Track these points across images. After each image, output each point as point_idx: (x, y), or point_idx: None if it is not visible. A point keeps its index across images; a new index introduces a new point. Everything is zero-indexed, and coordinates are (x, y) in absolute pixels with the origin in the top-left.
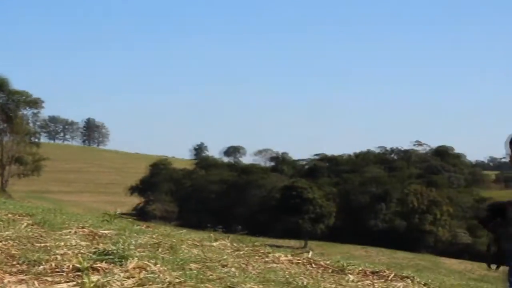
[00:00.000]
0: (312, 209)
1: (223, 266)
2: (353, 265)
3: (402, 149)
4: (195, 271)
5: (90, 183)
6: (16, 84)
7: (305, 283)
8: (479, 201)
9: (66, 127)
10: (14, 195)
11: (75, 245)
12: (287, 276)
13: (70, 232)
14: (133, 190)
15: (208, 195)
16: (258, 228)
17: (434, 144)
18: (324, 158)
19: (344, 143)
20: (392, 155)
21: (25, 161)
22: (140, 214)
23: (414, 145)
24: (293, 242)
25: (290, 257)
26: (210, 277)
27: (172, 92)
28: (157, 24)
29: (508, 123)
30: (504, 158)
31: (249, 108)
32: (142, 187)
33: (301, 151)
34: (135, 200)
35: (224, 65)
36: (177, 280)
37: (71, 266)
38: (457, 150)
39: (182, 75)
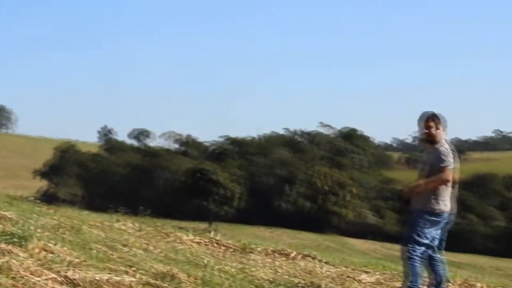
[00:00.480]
0: (218, 191)
1: (125, 246)
2: (255, 245)
3: (308, 131)
4: (96, 251)
5: None
6: None
7: (206, 262)
8: (384, 182)
9: None
10: None
11: None
12: (189, 255)
13: None
14: (38, 174)
15: (115, 179)
16: (165, 210)
17: (340, 126)
18: (230, 141)
19: (250, 125)
20: (298, 137)
21: None
22: (46, 198)
23: (320, 127)
24: (199, 225)
25: (192, 237)
26: (112, 256)
27: (77, 75)
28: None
29: (411, 104)
30: (407, 139)
31: (155, 91)
32: (48, 171)
33: (208, 133)
34: (41, 184)
35: (129, 47)
36: (78, 260)
37: None
38: (362, 131)
39: (86, 58)
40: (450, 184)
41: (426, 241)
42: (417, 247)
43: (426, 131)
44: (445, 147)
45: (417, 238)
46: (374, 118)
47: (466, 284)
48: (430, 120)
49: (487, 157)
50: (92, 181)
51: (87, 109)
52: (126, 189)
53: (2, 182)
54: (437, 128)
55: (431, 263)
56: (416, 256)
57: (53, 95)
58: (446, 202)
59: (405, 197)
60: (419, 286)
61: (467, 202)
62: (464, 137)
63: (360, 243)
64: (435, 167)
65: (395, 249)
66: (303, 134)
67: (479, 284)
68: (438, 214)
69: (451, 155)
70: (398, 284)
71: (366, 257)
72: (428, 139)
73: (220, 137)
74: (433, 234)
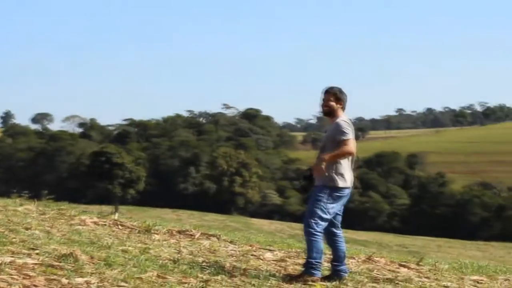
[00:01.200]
0: (122, 174)
1: (27, 229)
2: (159, 225)
3: (211, 112)
4: None
5: None
6: None
7: (110, 243)
8: (288, 162)
9: None
10: None
11: None
12: (92, 237)
13: None
14: None
15: (16, 163)
16: (68, 194)
17: (242, 107)
18: (133, 123)
19: (152, 108)
20: (201, 119)
21: None
22: None
23: (222, 108)
24: (104, 208)
25: (96, 220)
26: (13, 240)
27: None
28: None
29: (315, 85)
30: (311, 119)
31: (55, 74)
32: None
33: (109, 116)
34: None
35: (28, 30)
36: None
37: None
38: (265, 112)
39: None
40: (352, 156)
41: (328, 217)
42: (320, 222)
43: (326, 104)
44: (344, 120)
45: (320, 213)
46: (277, 99)
47: (370, 260)
48: (330, 94)
49: (390, 135)
50: None
51: None
52: (29, 174)
53: None
54: (337, 103)
55: (333, 239)
56: (319, 232)
57: None
58: (347, 177)
59: (311, 175)
60: (321, 262)
61: (371, 181)
62: (367, 116)
63: (266, 223)
64: (335, 140)
65: (300, 228)
66: (207, 115)
67: (382, 260)
68: (341, 189)
69: (350, 128)
70: (301, 261)
71: (273, 237)
72: (328, 113)
73: (124, 120)
74: (336, 209)
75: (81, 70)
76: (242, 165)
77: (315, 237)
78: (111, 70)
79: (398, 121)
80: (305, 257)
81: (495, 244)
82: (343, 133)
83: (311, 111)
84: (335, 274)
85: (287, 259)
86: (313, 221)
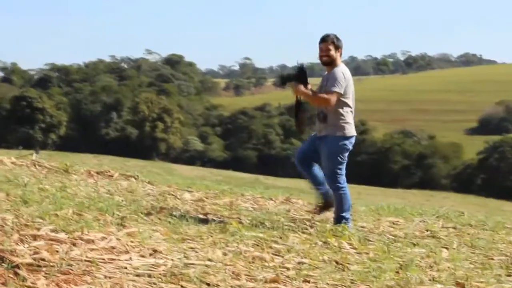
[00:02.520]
0: (43, 119)
1: None
2: (78, 166)
3: (133, 58)
4: None
5: None
6: None
7: (26, 181)
8: (210, 108)
9: None
10: None
11: None
12: (9, 176)
13: None
14: None
15: None
16: None
17: (165, 53)
18: (54, 68)
19: (74, 52)
20: (123, 64)
21: None
22: None
23: (145, 54)
24: (24, 152)
25: (14, 160)
26: None
27: None
28: None
29: (240, 32)
30: (234, 66)
31: None
32: None
33: (31, 61)
34: None
35: None
36: None
37: None
38: (188, 58)
39: None
40: (331, 107)
41: (344, 166)
42: (342, 174)
43: (326, 54)
44: (342, 72)
45: (339, 165)
46: (200, 45)
47: (288, 201)
48: (328, 42)
49: (312, 82)
50: None
51: None
52: None
53: None
54: (336, 51)
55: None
56: (344, 184)
57: None
58: (353, 126)
59: (293, 91)
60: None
61: (292, 128)
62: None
63: (187, 169)
64: (325, 89)
65: (222, 175)
66: (129, 61)
67: (300, 201)
68: (351, 137)
69: (345, 82)
70: (219, 201)
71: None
72: (328, 62)
73: (45, 64)
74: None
75: (2, 11)
76: (164, 111)
77: (344, 190)
78: (33, 12)
79: (320, 68)
80: (336, 213)
81: (415, 191)
82: (334, 84)
83: (234, 57)
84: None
85: (205, 199)
86: (336, 175)
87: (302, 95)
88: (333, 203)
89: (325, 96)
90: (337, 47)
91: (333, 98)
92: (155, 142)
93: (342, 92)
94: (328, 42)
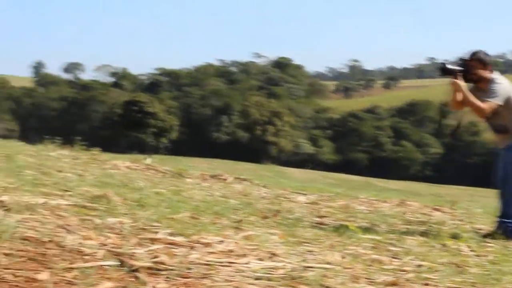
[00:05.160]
0: (154, 123)
1: (60, 172)
2: (192, 170)
3: (242, 61)
4: (30, 177)
5: None
6: None
7: (142, 185)
8: (319, 111)
9: None
10: None
11: None
12: (125, 180)
13: None
14: None
15: (49, 113)
16: (100, 143)
17: (274, 56)
18: (164, 72)
19: (184, 57)
20: (232, 68)
21: None
22: None
23: (253, 57)
24: (137, 157)
25: (129, 164)
26: (46, 182)
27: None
28: None
29: (348, 32)
30: (342, 68)
31: (88, 24)
32: None
33: (141, 66)
34: None
35: None
36: (12, 186)
37: None
38: (296, 61)
39: None
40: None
41: None
42: None
43: (473, 73)
44: (499, 83)
45: None
46: (307, 47)
47: (403, 204)
48: (475, 61)
49: (422, 84)
50: (26, 115)
51: (18, 43)
52: (61, 123)
53: None
54: (484, 68)
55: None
56: None
57: None
58: None
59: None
60: None
61: (403, 130)
62: (398, 65)
63: (298, 172)
64: (481, 99)
65: (334, 178)
66: (237, 65)
67: (416, 204)
68: None
69: (504, 92)
70: (334, 204)
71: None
72: (475, 80)
73: (155, 69)
74: None
75: (113, 19)
76: (274, 114)
77: None
78: (143, 19)
79: (430, 69)
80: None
81: None
82: (491, 96)
83: (342, 59)
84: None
85: (320, 202)
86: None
87: (460, 92)
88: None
89: (481, 104)
90: (485, 64)
91: (488, 109)
92: (265, 145)
93: (500, 103)
94: (475, 61)
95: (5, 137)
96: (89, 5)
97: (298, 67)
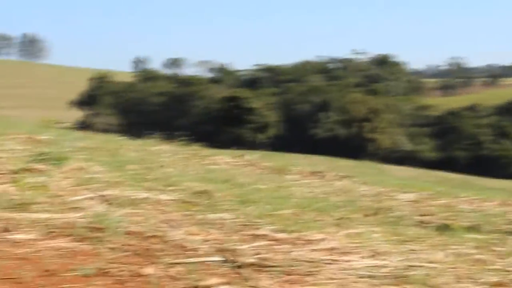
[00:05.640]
0: (253, 119)
1: (162, 167)
2: (292, 166)
3: (340, 58)
4: (134, 172)
5: (29, 98)
6: None
7: (243, 181)
8: (418, 108)
9: (2, 42)
10: None
11: (11, 149)
12: (225, 176)
13: (6, 138)
14: (74, 104)
15: (150, 108)
16: (200, 139)
17: (373, 52)
18: (264, 68)
19: (283, 53)
20: (331, 65)
21: None
22: (82, 128)
23: (352, 54)
24: (237, 153)
25: (229, 160)
26: (148, 177)
27: (112, 5)
28: None
29: (448, 29)
30: (442, 65)
31: (189, 19)
32: (83, 101)
33: (241, 62)
34: (76, 114)
35: None
36: (116, 180)
37: (7, 168)
38: (396, 58)
39: None
40: None
41: None
42: None
43: None
44: None
45: None
46: (407, 44)
47: (505, 204)
48: None
49: None
50: (127, 110)
51: (120, 39)
52: (161, 118)
53: (37, 112)
54: None
55: None
56: None
57: (85, 24)
58: None
59: None
60: None
61: (504, 129)
62: (499, 63)
63: (398, 170)
64: None
65: (434, 175)
66: (336, 61)
67: None
68: None
69: None
70: (435, 203)
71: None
72: None
73: (254, 65)
74: None
75: (213, 16)
76: (372, 111)
77: None
78: (244, 17)
79: None
80: None
81: None
82: None
83: (443, 57)
84: None
85: (421, 200)
86: None
87: None
88: None
89: None
90: None
91: None
92: (364, 142)
93: None
94: None
95: (106, 131)
96: (189, 4)
97: (398, 64)
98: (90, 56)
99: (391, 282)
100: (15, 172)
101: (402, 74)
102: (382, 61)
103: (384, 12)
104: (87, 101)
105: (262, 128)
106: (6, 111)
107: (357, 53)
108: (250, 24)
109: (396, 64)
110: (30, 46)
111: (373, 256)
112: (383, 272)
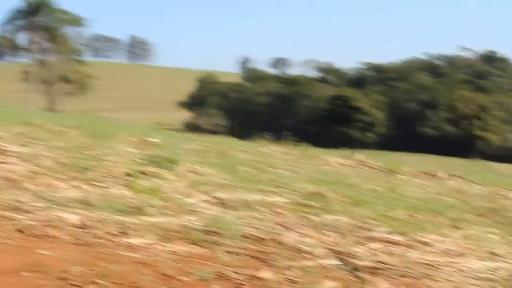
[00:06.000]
0: (361, 117)
1: (272, 168)
2: (403, 166)
3: (448, 55)
4: (245, 174)
5: (136, 99)
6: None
7: (356, 182)
8: None
9: (110, 44)
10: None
11: (124, 152)
12: (337, 176)
13: (118, 140)
14: (181, 105)
15: (256, 108)
16: (307, 138)
17: (479, 48)
18: (370, 67)
19: (389, 51)
20: (438, 62)
21: (71, 80)
22: (189, 129)
23: (459, 50)
24: (346, 152)
25: (340, 160)
26: (261, 178)
27: (216, 6)
28: None
29: None
30: None
31: (293, 19)
32: (190, 102)
33: (347, 60)
34: (183, 115)
35: None
36: (227, 182)
37: (121, 171)
38: (503, 54)
39: None
40: None
41: None
42: None
43: None
44: None
45: None
46: None
47: None
48: None
49: None
50: (234, 110)
51: (226, 40)
52: (268, 118)
53: (144, 114)
54: None
55: None
56: None
57: (188, 26)
58: None
59: None
60: None
61: None
62: None
63: (508, 167)
64: None
65: None
66: (443, 58)
67: None
68: None
69: None
70: None
71: None
72: None
73: (361, 63)
74: None
75: (318, 14)
76: (481, 108)
77: None
78: (345, 15)
79: None
80: None
81: None
82: None
83: None
84: None
85: None
86: None
87: None
88: None
89: None
90: None
91: None
92: (473, 140)
93: None
94: None
95: (214, 132)
96: (293, 3)
97: (505, 60)
98: (193, 57)
99: (510, 285)
100: (129, 175)
101: (510, 71)
102: (489, 58)
103: (489, 7)
104: (194, 102)
105: (369, 127)
106: (113, 113)
107: (464, 50)
108: (352, 21)
109: (503, 60)
110: (136, 48)
111: (491, 257)
112: (502, 275)
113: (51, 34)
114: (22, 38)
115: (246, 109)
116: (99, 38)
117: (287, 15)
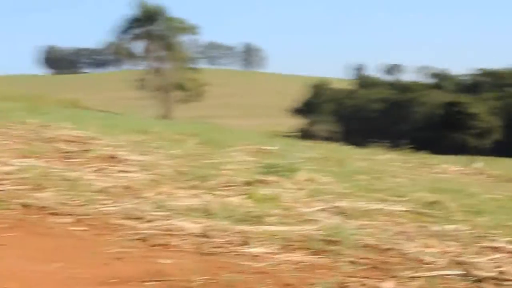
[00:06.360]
0: (476, 124)
1: (391, 176)
2: None
3: None
4: (363, 182)
5: (248, 106)
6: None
7: (474, 191)
8: None
9: (225, 52)
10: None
11: (242, 161)
12: (456, 185)
13: (235, 149)
14: (295, 111)
15: (370, 114)
16: (422, 145)
17: None
18: (486, 73)
19: (504, 57)
20: None
21: (186, 87)
22: (302, 135)
23: None
24: (458, 158)
25: (458, 168)
26: (378, 187)
27: (322, 11)
28: None
29: None
30: None
31: (406, 26)
32: (304, 109)
33: (461, 67)
34: (294, 122)
35: None
36: (347, 191)
37: (240, 180)
38: None
39: None
40: None
41: None
42: None
43: None
44: None
45: None
46: None
47: None
48: None
49: None
50: (348, 117)
51: (333, 45)
52: (381, 124)
53: (256, 120)
54: None
55: None
56: None
57: (300, 33)
58: None
59: None
60: None
61: None
62: None
63: None
64: None
65: None
66: None
67: None
68: None
69: None
70: None
71: None
72: None
73: (476, 70)
74: None
75: (430, 20)
76: None
77: None
78: (459, 20)
79: None
80: None
81: None
82: None
83: None
84: None
85: None
86: None
87: None
88: None
89: None
90: None
91: None
92: None
93: None
94: None
95: (328, 139)
96: (406, 8)
97: None
98: (303, 64)
99: None
100: (248, 183)
101: None
102: None
103: None
104: (306, 108)
105: (484, 133)
106: (227, 120)
107: None
108: (469, 29)
109: None
110: (250, 55)
111: None
112: None
113: (167, 42)
114: (137, 46)
115: (360, 116)
116: (214, 46)
117: (392, 22)
